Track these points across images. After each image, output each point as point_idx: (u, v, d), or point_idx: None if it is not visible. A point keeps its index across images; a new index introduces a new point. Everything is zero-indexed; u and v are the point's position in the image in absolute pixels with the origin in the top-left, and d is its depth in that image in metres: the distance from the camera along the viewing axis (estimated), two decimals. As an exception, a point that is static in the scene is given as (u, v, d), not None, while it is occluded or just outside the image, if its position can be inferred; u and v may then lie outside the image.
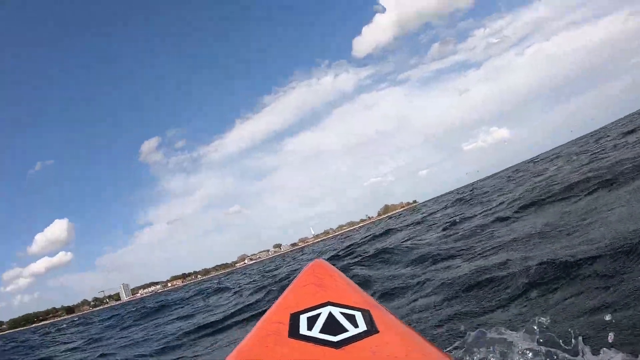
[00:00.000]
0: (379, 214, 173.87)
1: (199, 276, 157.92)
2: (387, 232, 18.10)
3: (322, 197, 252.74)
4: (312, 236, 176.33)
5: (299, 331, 1.74)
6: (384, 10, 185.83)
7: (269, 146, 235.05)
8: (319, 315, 1.84)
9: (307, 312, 1.88)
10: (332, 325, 1.76)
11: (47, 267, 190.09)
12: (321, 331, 1.72)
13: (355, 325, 1.75)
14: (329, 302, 1.93)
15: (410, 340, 1.71)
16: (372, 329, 1.72)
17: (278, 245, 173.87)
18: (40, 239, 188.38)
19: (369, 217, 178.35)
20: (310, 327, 1.76)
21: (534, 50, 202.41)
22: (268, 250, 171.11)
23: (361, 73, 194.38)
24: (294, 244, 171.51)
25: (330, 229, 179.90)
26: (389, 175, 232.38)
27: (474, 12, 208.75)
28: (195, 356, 3.45)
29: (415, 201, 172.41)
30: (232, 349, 1.77)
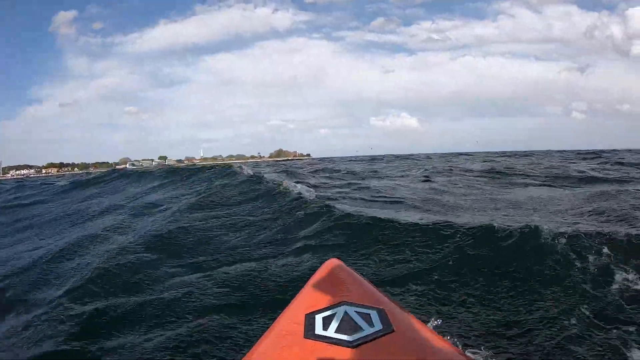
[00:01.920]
0: (271, 156, 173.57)
1: (76, 169, 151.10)
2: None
3: (221, 123, 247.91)
4: (199, 157, 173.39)
5: (314, 331, 1.76)
6: None
7: (186, 57, 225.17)
8: (334, 315, 1.85)
9: (322, 312, 1.90)
10: (347, 325, 1.77)
11: None
12: (337, 331, 1.74)
13: (371, 325, 1.76)
14: (343, 301, 1.94)
15: (426, 338, 1.72)
16: (387, 328, 1.73)
17: (163, 158, 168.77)
18: None
19: (260, 155, 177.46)
20: (325, 327, 1.78)
21: (467, 61, 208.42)
22: (152, 160, 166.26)
23: (300, 16, 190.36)
24: (179, 160, 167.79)
25: (220, 156, 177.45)
26: (291, 123, 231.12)
27: (429, 4, 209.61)
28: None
29: (308, 154, 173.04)
30: (248, 349, 1.79)
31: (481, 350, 2.80)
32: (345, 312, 1.86)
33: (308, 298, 2.07)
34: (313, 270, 2.37)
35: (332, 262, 2.39)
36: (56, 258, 6.29)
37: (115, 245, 6.51)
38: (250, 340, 3.42)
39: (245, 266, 5.18)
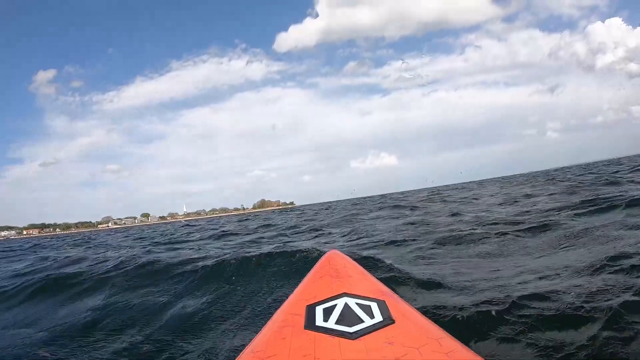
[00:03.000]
0: (254, 207, 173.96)
1: (57, 230, 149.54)
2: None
3: (203, 177, 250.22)
4: (183, 213, 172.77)
5: (315, 323, 1.76)
6: (316, 16, 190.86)
7: (164, 113, 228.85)
8: (334, 306, 1.85)
9: (323, 303, 1.90)
10: (348, 316, 1.76)
11: None
12: (337, 322, 1.73)
13: (371, 316, 1.75)
14: (344, 293, 1.94)
15: (427, 330, 1.71)
16: (388, 320, 1.72)
17: (146, 215, 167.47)
18: None
19: (243, 207, 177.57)
20: (326, 318, 1.77)
21: (440, 96, 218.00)
22: (135, 218, 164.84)
23: (273, 67, 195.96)
24: (162, 217, 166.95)
25: (203, 210, 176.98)
26: (273, 172, 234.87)
27: (398, 45, 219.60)
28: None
29: (292, 202, 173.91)
30: (249, 341, 1.79)
31: (481, 342, 2.77)
32: (346, 304, 1.86)
33: (309, 289, 2.07)
34: (315, 262, 2.37)
35: (333, 254, 2.41)
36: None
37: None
38: (251, 332, 3.37)
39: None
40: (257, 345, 1.71)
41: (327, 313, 1.81)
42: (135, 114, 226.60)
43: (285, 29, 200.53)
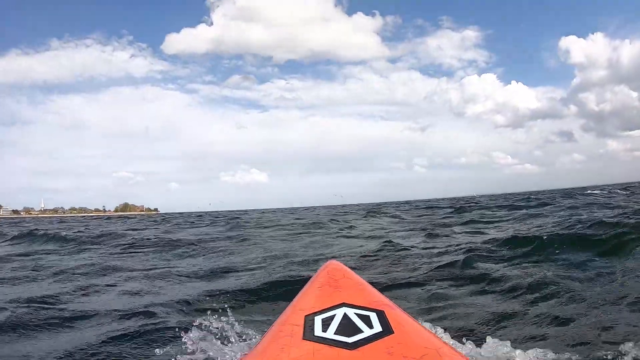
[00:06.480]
0: (117, 210, 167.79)
1: None
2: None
3: (64, 172, 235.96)
4: (40, 209, 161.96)
5: (313, 333, 1.75)
6: (210, 24, 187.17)
7: (34, 95, 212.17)
8: (333, 316, 1.84)
9: (321, 313, 1.89)
10: (346, 327, 1.76)
11: None
12: (336, 332, 1.73)
13: (370, 326, 1.75)
14: (343, 303, 1.93)
15: (425, 340, 1.73)
16: (387, 330, 1.72)
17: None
18: None
19: (105, 209, 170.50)
20: (325, 328, 1.77)
21: (315, 121, 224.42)
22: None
23: (157, 66, 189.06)
24: (16, 211, 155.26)
25: (62, 208, 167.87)
26: (140, 176, 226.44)
27: (283, 66, 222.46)
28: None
29: (156, 209, 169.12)
30: (247, 351, 1.77)
31: (481, 354, 2.85)
32: (345, 314, 1.86)
33: (307, 299, 2.07)
34: (313, 271, 2.35)
35: (332, 264, 2.40)
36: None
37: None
38: (249, 342, 3.31)
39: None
40: (255, 355, 1.72)
41: (326, 323, 1.80)
42: (2, 91, 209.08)
43: (177, 30, 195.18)
